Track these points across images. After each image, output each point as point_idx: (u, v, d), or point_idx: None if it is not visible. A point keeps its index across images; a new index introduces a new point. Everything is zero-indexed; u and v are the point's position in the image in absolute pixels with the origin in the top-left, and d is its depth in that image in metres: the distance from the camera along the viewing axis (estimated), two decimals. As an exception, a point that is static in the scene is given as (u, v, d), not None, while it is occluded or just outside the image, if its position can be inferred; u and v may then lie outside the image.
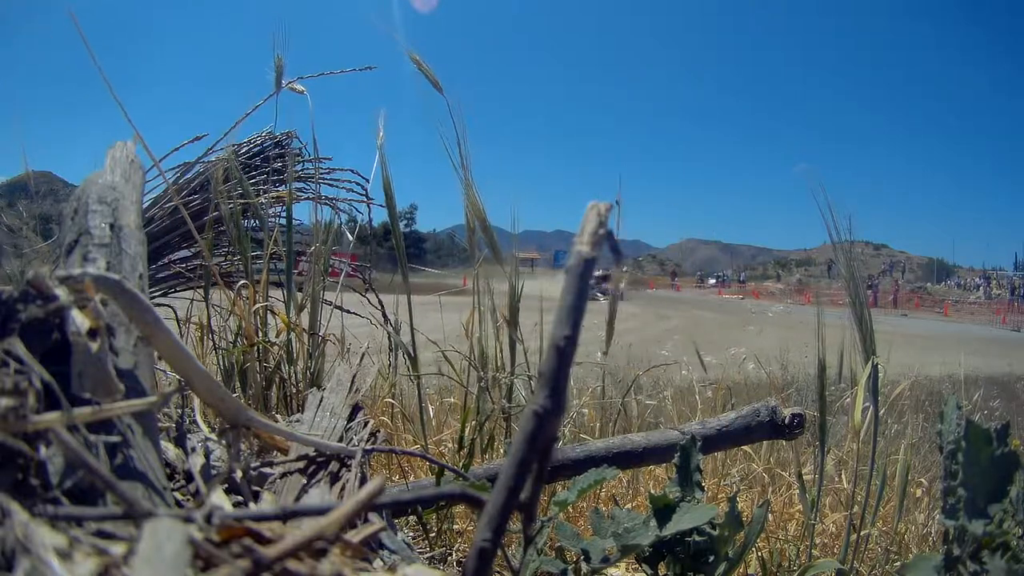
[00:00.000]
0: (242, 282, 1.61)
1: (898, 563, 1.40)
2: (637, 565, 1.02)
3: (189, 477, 0.76)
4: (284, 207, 2.04)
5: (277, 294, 1.70)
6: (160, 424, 0.83)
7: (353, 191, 2.08)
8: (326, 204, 1.98)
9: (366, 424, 0.93)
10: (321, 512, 0.43)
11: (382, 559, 0.69)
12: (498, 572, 1.06)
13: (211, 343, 1.72)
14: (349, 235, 1.98)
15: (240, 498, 0.71)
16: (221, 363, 1.58)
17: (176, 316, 1.86)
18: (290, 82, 1.85)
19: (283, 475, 0.76)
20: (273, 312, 1.62)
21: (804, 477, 1.40)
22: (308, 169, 2.10)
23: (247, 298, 1.54)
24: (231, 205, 1.66)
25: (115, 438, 0.54)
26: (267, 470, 0.76)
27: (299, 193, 2.02)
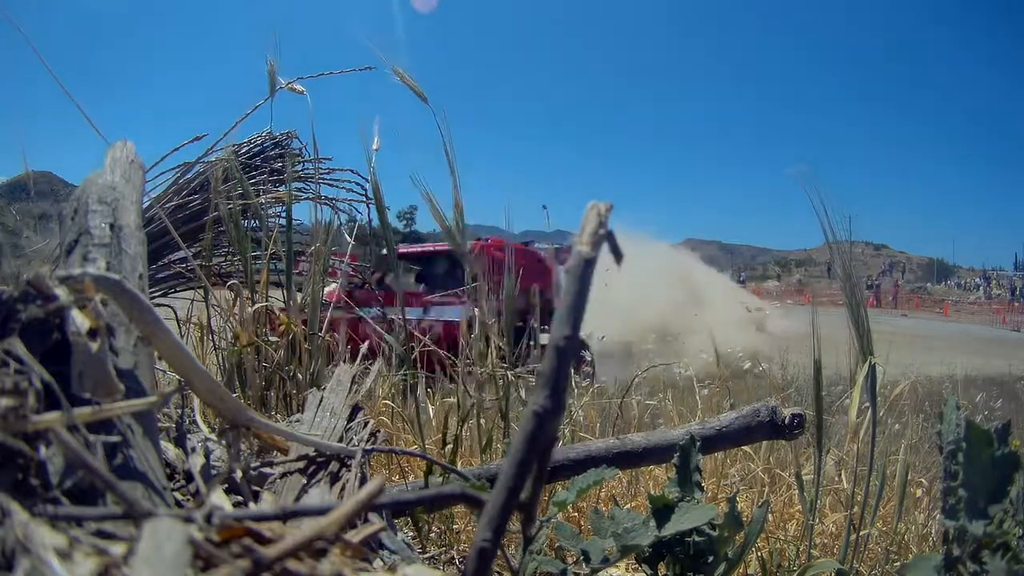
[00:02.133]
0: (231, 282, 1.61)
1: (898, 563, 1.40)
2: (637, 565, 1.02)
3: (189, 477, 0.76)
4: (284, 207, 2.05)
5: (277, 294, 1.70)
6: (160, 424, 0.83)
7: (353, 191, 2.08)
8: (325, 204, 1.98)
9: (366, 424, 0.93)
10: (321, 512, 0.43)
11: (382, 559, 0.69)
12: (498, 572, 1.06)
13: (211, 343, 1.72)
14: (347, 236, 1.98)
15: (240, 498, 0.71)
16: (221, 363, 1.58)
17: (176, 316, 1.86)
18: (290, 82, 1.85)
19: (283, 475, 0.76)
20: (274, 313, 1.62)
21: (803, 477, 1.40)
22: (308, 169, 2.10)
23: (245, 298, 1.54)
24: (231, 206, 1.66)
25: (115, 438, 0.54)
26: (267, 470, 0.76)
27: (299, 193, 2.02)
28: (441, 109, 1.51)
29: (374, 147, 1.63)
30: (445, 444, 1.43)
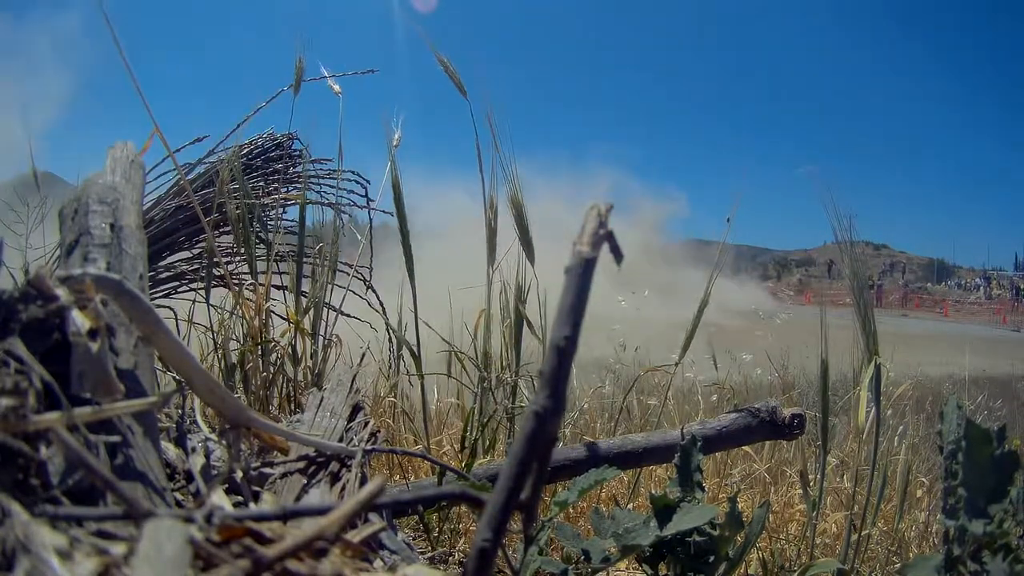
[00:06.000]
0: (249, 283, 1.62)
1: (899, 563, 1.40)
2: (638, 565, 1.02)
3: (189, 477, 0.76)
4: (285, 209, 2.05)
5: (278, 295, 1.70)
6: (160, 424, 0.83)
7: (354, 192, 2.08)
8: (328, 206, 1.98)
9: (366, 424, 0.93)
10: (321, 512, 0.43)
11: (382, 559, 0.69)
12: (499, 572, 1.06)
13: (212, 343, 1.72)
14: (359, 235, 1.99)
15: (240, 498, 0.71)
16: (221, 364, 1.58)
17: (176, 317, 1.86)
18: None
19: (283, 475, 0.76)
20: (280, 316, 1.62)
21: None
22: (310, 170, 2.10)
23: (251, 299, 1.54)
24: (236, 207, 1.66)
25: (115, 438, 0.54)
26: (267, 470, 0.76)
27: (303, 194, 2.02)
28: (480, 103, 1.52)
29: (395, 143, 1.64)
30: (463, 448, 1.43)
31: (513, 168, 1.50)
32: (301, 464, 0.77)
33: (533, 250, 1.53)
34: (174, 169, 1.99)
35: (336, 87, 1.87)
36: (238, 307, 1.57)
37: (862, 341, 1.24)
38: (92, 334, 0.53)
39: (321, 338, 1.60)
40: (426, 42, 1.59)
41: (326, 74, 1.89)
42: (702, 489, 0.93)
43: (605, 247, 0.43)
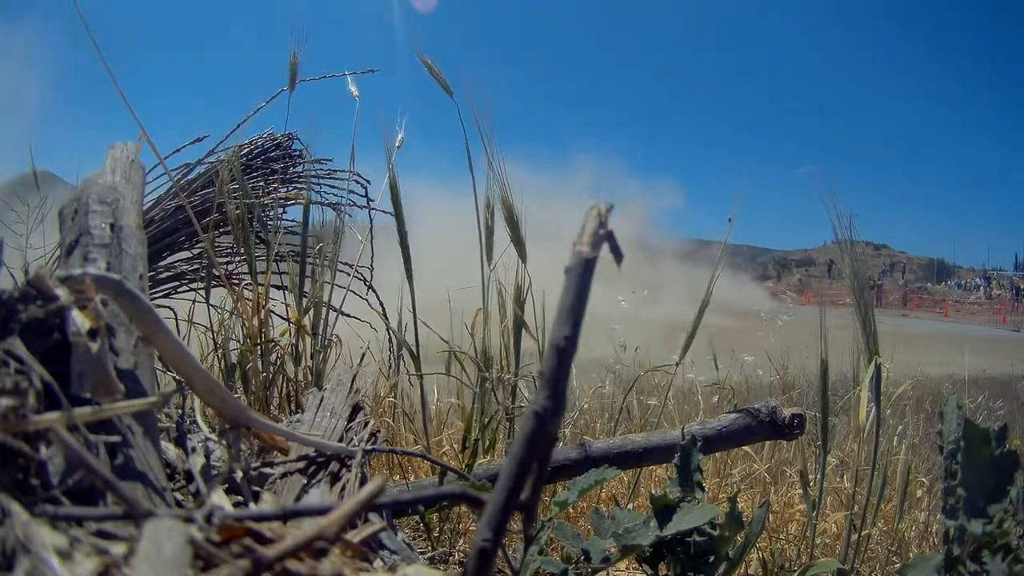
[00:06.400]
0: (247, 282, 1.62)
1: (899, 563, 1.40)
2: (637, 565, 1.02)
3: (189, 477, 0.76)
4: (285, 209, 2.05)
5: (277, 295, 1.70)
6: (160, 424, 0.83)
7: (354, 192, 2.08)
8: (329, 206, 1.99)
9: (366, 424, 0.93)
10: (321, 512, 0.43)
11: (382, 559, 0.69)
12: (499, 572, 1.06)
13: (212, 343, 1.72)
14: (359, 235, 1.99)
15: (240, 498, 0.71)
16: (221, 364, 1.58)
17: (176, 317, 1.86)
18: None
19: (283, 475, 0.76)
20: (280, 316, 1.62)
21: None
22: (311, 170, 2.10)
23: (250, 299, 1.54)
24: (236, 207, 1.66)
25: (115, 438, 0.54)
26: (267, 470, 0.76)
27: (303, 194, 2.03)
28: (465, 104, 1.52)
29: (397, 144, 1.64)
30: (464, 448, 1.44)
31: (501, 168, 1.50)
32: (301, 464, 0.77)
33: (525, 248, 1.53)
34: (169, 172, 2.00)
35: (354, 89, 1.88)
36: (238, 307, 1.57)
37: (862, 341, 1.24)
38: (92, 334, 0.53)
39: (321, 338, 1.60)
40: (411, 44, 1.59)
41: (343, 73, 1.90)
42: (702, 489, 0.93)
43: (605, 247, 0.43)
